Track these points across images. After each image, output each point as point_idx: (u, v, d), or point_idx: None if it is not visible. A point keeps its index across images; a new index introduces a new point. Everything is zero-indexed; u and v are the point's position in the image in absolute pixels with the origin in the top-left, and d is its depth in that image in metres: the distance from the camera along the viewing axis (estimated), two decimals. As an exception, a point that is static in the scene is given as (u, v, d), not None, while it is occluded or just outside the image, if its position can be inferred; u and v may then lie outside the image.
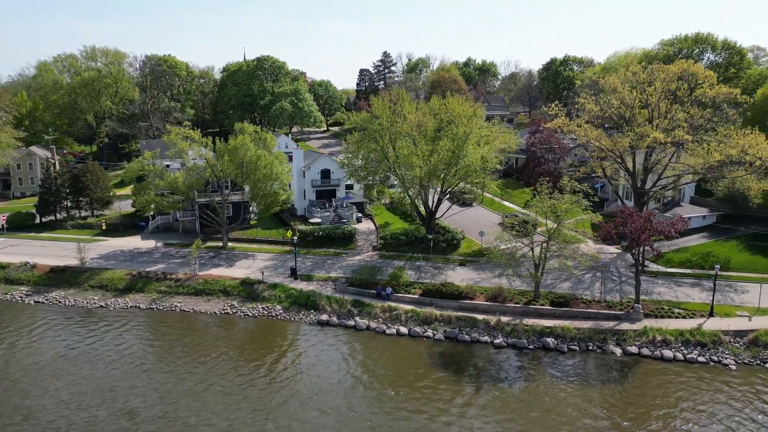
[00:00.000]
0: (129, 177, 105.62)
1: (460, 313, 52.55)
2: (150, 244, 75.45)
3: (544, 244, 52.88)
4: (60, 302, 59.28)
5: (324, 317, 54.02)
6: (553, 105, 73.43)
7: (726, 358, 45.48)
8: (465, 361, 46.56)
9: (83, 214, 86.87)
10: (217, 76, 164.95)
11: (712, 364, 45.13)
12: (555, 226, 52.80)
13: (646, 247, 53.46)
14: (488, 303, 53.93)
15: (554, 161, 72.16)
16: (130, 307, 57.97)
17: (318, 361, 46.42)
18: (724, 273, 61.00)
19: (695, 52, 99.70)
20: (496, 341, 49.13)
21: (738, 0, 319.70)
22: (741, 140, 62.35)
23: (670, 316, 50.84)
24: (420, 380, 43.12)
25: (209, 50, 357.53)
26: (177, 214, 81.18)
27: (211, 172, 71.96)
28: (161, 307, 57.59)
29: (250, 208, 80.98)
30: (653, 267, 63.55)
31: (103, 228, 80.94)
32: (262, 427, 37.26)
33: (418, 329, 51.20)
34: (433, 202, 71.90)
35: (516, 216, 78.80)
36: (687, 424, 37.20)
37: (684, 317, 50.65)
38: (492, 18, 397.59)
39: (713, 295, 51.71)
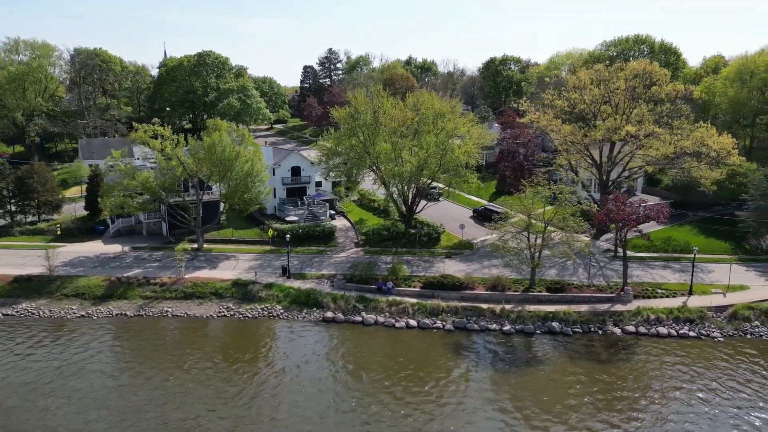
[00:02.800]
0: (74, 178, 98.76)
1: (464, 304, 53.78)
2: (115, 248, 70.85)
3: (541, 234, 55.08)
4: (32, 313, 54.50)
5: (329, 314, 53.38)
6: (522, 101, 76.51)
7: (713, 332, 49.79)
8: (480, 349, 47.81)
9: (30, 219, 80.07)
10: (153, 71, 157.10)
11: (702, 338, 49.25)
12: (553, 214, 54.98)
13: (636, 232, 57.01)
14: (489, 292, 55.56)
15: (525, 156, 75.15)
16: (116, 315, 54.34)
17: (337, 359, 45.96)
18: (687, 255, 66.55)
19: (635, 53, 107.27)
20: (504, 328, 50.81)
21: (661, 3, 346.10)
22: (698, 133, 68.14)
23: (655, 297, 54.79)
24: (442, 371, 43.84)
25: (131, 45, 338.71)
26: (140, 216, 76.89)
27: (183, 171, 68.59)
28: (150, 313, 54.46)
29: (221, 208, 78.10)
30: (629, 253, 67.91)
31: (58, 233, 75.02)
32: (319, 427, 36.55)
33: (427, 321, 51.91)
34: (414, 197, 72.76)
35: (490, 209, 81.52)
36: (697, 391, 40.49)
37: (668, 297, 54.79)
38: (429, 18, 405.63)
39: (692, 276, 56.25)
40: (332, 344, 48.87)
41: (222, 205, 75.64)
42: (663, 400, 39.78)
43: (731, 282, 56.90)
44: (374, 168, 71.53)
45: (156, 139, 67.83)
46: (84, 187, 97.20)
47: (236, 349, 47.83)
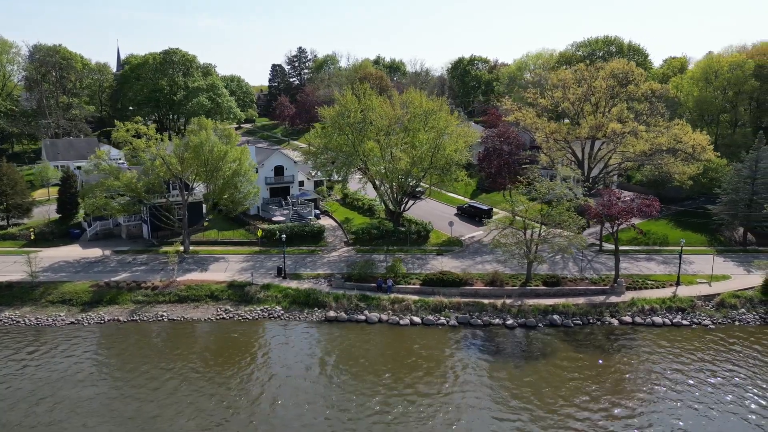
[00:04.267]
0: (41, 180, 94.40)
1: (465, 299, 54.31)
2: (95, 252, 68.19)
3: (537, 230, 56.18)
4: (17, 322, 51.79)
5: (332, 314, 52.90)
6: (505, 100, 77.87)
7: (704, 320, 52.02)
8: (487, 344, 48.39)
9: (-1, 223, 76.14)
10: (115, 69, 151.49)
11: (694, 325, 51.39)
12: (551, 210, 56.15)
13: (631, 226, 58.84)
14: (488, 288, 56.28)
15: (510, 153, 76.51)
16: (108, 320, 52.26)
17: (347, 358, 45.63)
18: (667, 248, 69.35)
19: (605, 53, 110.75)
20: (507, 322, 51.62)
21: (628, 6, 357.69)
22: (675, 129, 70.99)
23: (646, 288, 56.79)
24: (454, 367, 44.21)
25: (79, 42, 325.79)
26: (118, 219, 74.23)
27: (167, 171, 66.51)
28: (145, 318, 52.65)
29: (204, 209, 76.20)
30: (608, 246, 70.12)
31: (32, 238, 71.54)
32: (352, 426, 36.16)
33: (431, 317, 52.14)
34: (402, 195, 72.95)
35: (474, 206, 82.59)
36: (698, 373, 42.29)
37: (658, 287, 56.87)
38: (393, 18, 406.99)
39: (679, 267, 58.52)
40: (339, 343, 48.46)
41: (204, 206, 73.94)
42: (667, 382, 41.32)
43: (714, 272, 59.53)
44: (363, 167, 71.37)
45: (140, 138, 65.46)
46: (55, 189, 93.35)
47: (244, 351, 46.83)
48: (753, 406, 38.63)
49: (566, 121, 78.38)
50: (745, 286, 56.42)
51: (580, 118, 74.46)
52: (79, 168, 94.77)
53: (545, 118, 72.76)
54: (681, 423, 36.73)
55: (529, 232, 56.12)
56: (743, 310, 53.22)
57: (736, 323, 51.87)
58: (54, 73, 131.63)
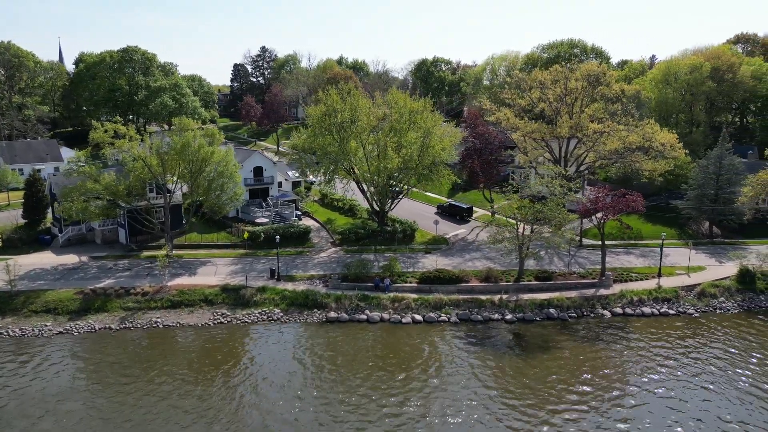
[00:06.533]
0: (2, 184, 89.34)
1: (462, 296, 55.19)
2: (71, 259, 65.16)
3: (530, 227, 57.69)
4: (0, 333, 48.97)
5: (332, 314, 52.62)
6: (485, 100, 79.49)
7: (688, 309, 54.89)
8: (491, 338, 49.37)
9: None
10: (69, 68, 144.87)
11: (680, 314, 54.14)
12: (542, 207, 57.65)
13: (618, 221, 61.12)
14: (483, 284, 57.37)
15: (490, 152, 78.16)
16: (99, 329, 50.12)
17: (355, 358, 45.55)
18: (641, 242, 72.61)
19: (570, 55, 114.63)
20: (506, 317, 52.81)
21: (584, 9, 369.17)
22: (647, 128, 74.39)
23: (631, 280, 59.32)
24: (465, 363, 44.92)
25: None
26: (91, 224, 71.18)
27: (148, 172, 64.41)
28: (138, 325, 50.80)
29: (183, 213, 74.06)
30: (587, 241, 72.75)
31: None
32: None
33: (432, 315, 52.70)
34: (386, 195, 73.28)
35: (454, 205, 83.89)
36: (688, 357, 44.70)
37: (641, 280, 59.51)
38: (357, 18, 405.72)
39: (660, 259, 61.42)
40: (344, 344, 48.27)
41: (183, 209, 71.88)
42: (663, 367, 43.47)
43: (691, 264, 62.81)
44: (349, 168, 71.28)
45: (123, 138, 63.08)
46: (15, 193, 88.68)
47: (247, 355, 46.02)
48: (739, 384, 41.17)
49: (541, 121, 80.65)
50: (721, 276, 59.83)
51: (557, 118, 76.88)
52: (39, 171, 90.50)
53: (526, 119, 74.79)
54: (677, 400, 38.72)
55: (521, 228, 57.57)
56: (722, 298, 56.47)
57: (717, 311, 54.98)
58: (3, 72, 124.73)
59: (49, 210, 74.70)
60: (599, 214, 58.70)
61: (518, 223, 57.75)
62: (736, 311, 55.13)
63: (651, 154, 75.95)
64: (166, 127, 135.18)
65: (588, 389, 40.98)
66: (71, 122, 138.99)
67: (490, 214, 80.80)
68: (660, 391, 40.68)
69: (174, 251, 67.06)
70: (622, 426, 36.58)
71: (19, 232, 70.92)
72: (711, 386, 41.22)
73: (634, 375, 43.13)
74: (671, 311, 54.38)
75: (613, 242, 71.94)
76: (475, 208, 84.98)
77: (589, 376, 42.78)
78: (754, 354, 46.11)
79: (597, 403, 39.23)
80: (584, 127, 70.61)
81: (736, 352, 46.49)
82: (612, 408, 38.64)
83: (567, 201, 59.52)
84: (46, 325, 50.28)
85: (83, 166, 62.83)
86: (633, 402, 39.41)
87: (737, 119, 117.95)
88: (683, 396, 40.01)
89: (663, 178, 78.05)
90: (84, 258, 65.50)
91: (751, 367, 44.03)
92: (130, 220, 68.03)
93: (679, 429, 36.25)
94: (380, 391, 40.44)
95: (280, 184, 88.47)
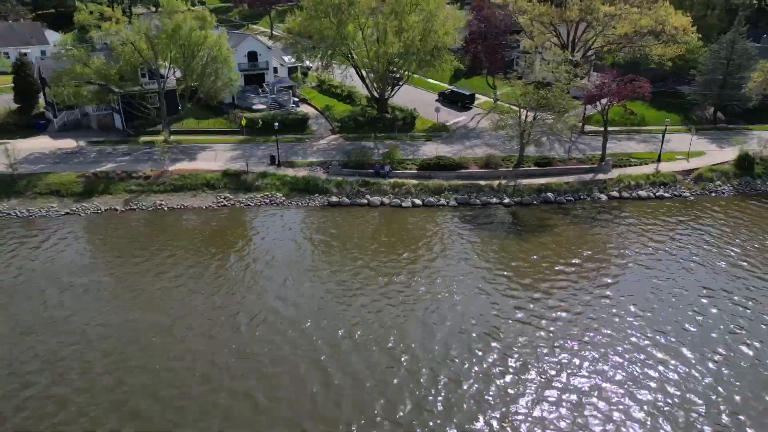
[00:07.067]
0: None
1: (462, 182, 55.67)
2: (69, 144, 64.76)
3: (533, 113, 56.69)
4: (7, 214, 49.99)
5: (334, 199, 53.45)
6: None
7: (684, 192, 55.75)
8: (489, 220, 50.59)
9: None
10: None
11: (676, 197, 55.09)
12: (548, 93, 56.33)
13: (622, 106, 60.12)
14: (483, 170, 57.66)
15: (494, 36, 74.99)
16: (105, 210, 51.12)
17: (360, 239, 46.92)
18: (644, 128, 72.02)
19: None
20: (504, 201, 53.71)
21: None
22: (661, 11, 70.79)
23: (630, 165, 59.61)
24: (466, 243, 46.39)
25: None
26: (86, 108, 69.87)
27: (138, 56, 62.11)
28: (143, 207, 51.79)
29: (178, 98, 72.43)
30: (589, 127, 72.01)
31: (-6, 130, 66.85)
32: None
33: (431, 199, 53.53)
34: (386, 81, 71.32)
35: (456, 92, 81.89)
36: (683, 237, 46.35)
37: (640, 165, 59.78)
38: None
39: (662, 145, 61.22)
40: (348, 225, 49.46)
41: (177, 95, 70.20)
42: (658, 246, 45.15)
43: (691, 149, 62.77)
44: (348, 53, 68.62)
45: (109, 21, 60.11)
46: (4, 78, 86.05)
47: (257, 235, 47.51)
48: (726, 259, 42.98)
49: (550, 3, 76.46)
50: (720, 161, 60.09)
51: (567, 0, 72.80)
52: (25, 54, 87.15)
53: (534, 0, 70.87)
54: (665, 271, 40.68)
55: (523, 114, 56.74)
56: (719, 182, 57.14)
57: (713, 194, 55.91)
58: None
59: (41, 95, 73.00)
60: (604, 100, 57.51)
61: (521, 109, 56.75)
62: (731, 194, 56.03)
63: (662, 39, 72.95)
64: (153, 9, 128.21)
65: (580, 263, 42.73)
66: (52, 2, 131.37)
67: (492, 101, 79.24)
68: (649, 264, 42.58)
69: (172, 137, 66.49)
70: (609, 293, 38.70)
71: (13, 116, 69.90)
72: (699, 260, 43.14)
73: (626, 251, 44.82)
74: (666, 195, 55.26)
75: (616, 128, 71.21)
76: (477, 95, 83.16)
77: (582, 252, 44.46)
78: (743, 232, 47.71)
79: (588, 275, 41.12)
80: (595, 10, 67.08)
81: (728, 230, 48.13)
82: (600, 278, 40.68)
83: (572, 87, 57.88)
84: (53, 206, 51.20)
85: (71, 50, 60.18)
86: (622, 275, 41.35)
87: (755, 1, 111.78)
88: (670, 268, 41.99)
89: (672, 63, 75.48)
90: (82, 143, 65.10)
91: (738, 242, 45.82)
92: (125, 105, 66.76)
93: (664, 295, 38.33)
94: (384, 268, 42.12)
95: (275, 70, 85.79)
